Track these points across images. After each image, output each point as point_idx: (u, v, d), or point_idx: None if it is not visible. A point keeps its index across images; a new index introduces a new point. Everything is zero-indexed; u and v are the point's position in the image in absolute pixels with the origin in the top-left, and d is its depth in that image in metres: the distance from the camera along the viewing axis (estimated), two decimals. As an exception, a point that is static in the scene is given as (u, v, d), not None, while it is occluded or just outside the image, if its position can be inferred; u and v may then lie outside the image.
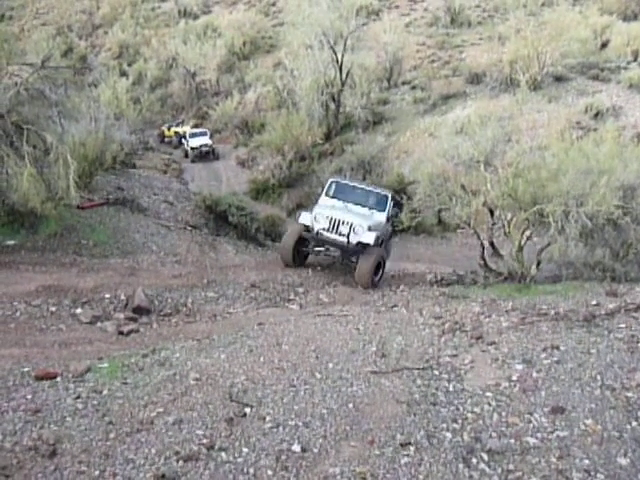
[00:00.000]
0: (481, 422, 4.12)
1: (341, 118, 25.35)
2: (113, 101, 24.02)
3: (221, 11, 43.55)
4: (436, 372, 5.02)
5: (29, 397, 4.21)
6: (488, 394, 4.52)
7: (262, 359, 5.23)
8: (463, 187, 9.97)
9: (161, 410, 4.13)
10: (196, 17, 44.13)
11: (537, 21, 26.05)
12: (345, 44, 24.35)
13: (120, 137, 16.75)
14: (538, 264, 9.03)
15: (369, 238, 10.51)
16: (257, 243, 13.03)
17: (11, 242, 9.04)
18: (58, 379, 4.59)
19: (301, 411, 4.23)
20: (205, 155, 27.17)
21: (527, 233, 9.16)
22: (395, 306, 8.50)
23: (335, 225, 10.76)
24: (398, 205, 11.71)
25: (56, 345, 5.95)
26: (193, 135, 28.02)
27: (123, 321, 7.00)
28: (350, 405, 4.36)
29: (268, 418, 4.10)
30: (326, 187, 12.09)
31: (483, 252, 9.89)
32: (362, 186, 12.41)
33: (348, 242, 10.60)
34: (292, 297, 9.28)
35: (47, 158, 8.83)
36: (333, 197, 11.77)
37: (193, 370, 4.90)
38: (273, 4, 43.03)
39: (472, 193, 9.83)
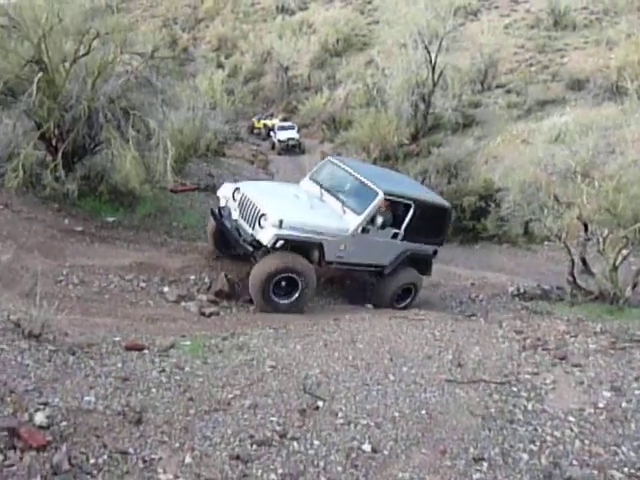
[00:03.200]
0: (561, 447, 3.92)
1: (430, 119, 24.95)
2: (209, 91, 25.08)
3: (318, 8, 44.06)
4: (514, 388, 4.83)
5: (119, 365, 4.46)
6: (571, 418, 4.29)
7: (336, 354, 5.26)
8: (556, 198, 9.50)
9: (238, 393, 4.27)
10: (293, 13, 45.11)
11: (652, 25, 24.28)
12: (440, 44, 23.91)
13: (214, 126, 17.44)
14: (634, 286, 8.43)
15: (264, 236, 7.17)
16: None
17: (111, 219, 9.71)
18: (145, 351, 4.84)
19: (373, 411, 4.22)
20: (291, 148, 27.79)
21: (624, 252, 8.57)
22: (473, 315, 8.27)
23: (243, 208, 7.77)
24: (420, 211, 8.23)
25: (144, 319, 6.29)
26: (281, 128, 28.75)
27: (205, 303, 7.29)
28: (423, 411, 4.30)
29: (340, 414, 4.13)
30: (315, 167, 9.09)
31: (573, 268, 9.36)
32: (351, 171, 8.45)
33: (240, 235, 7.62)
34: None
35: (149, 143, 9.38)
36: (316, 181, 8.56)
37: (269, 357, 5.01)
38: (369, 2, 43.08)
39: (566, 205, 9.35)
